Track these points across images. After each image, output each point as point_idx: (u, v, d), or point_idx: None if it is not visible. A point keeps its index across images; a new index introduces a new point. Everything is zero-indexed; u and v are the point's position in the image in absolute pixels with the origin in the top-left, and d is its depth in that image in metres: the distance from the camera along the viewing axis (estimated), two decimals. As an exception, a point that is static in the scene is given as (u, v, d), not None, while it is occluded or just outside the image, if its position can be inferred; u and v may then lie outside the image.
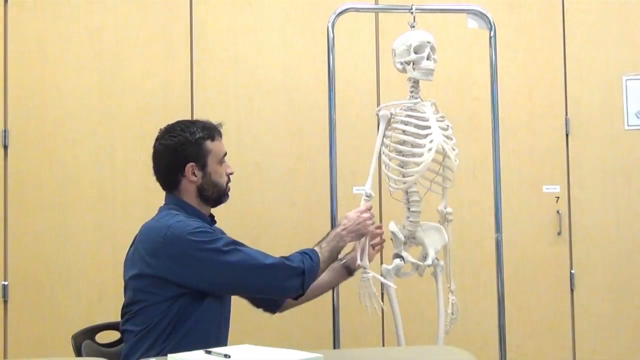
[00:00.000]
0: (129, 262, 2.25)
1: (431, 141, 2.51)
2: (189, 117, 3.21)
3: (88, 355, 2.25)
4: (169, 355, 1.80)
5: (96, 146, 3.19)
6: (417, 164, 2.51)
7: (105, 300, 3.14)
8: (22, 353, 3.08)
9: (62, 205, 3.16)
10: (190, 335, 2.13)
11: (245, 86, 3.29)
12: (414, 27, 2.67)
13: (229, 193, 2.36)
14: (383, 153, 2.59)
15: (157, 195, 3.24)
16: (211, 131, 2.30)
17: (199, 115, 3.21)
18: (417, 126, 2.55)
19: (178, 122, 2.33)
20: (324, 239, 2.39)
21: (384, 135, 2.59)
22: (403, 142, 2.56)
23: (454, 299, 2.65)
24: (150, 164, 3.19)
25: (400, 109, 2.58)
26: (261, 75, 3.30)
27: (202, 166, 2.27)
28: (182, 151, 2.26)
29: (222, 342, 2.25)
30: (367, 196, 2.55)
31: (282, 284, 2.20)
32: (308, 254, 2.26)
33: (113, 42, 3.23)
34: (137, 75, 3.23)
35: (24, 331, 3.11)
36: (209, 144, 2.28)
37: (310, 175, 3.27)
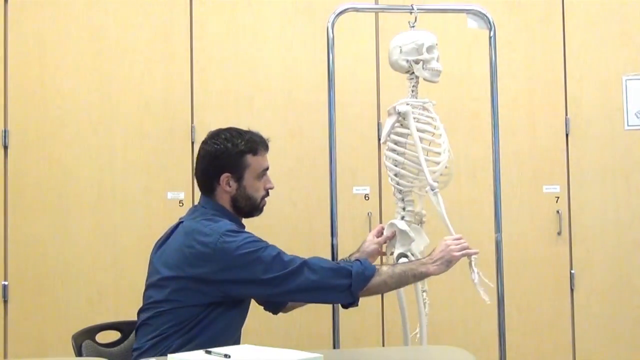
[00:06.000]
0: (163, 258, 2.22)
1: (444, 142, 2.52)
2: (189, 118, 3.22)
3: (88, 355, 2.25)
4: (169, 356, 1.80)
5: (96, 146, 3.19)
6: (437, 163, 2.51)
7: (105, 300, 3.14)
8: (22, 353, 3.08)
9: (62, 205, 3.16)
10: (214, 342, 2.10)
11: (245, 86, 3.29)
12: (414, 27, 2.67)
13: (264, 208, 2.35)
14: (395, 151, 2.56)
15: (157, 195, 3.26)
16: (255, 145, 2.30)
17: (199, 116, 3.23)
18: (431, 126, 2.55)
19: (227, 129, 2.32)
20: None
21: (396, 133, 2.56)
22: (422, 141, 2.55)
23: (427, 299, 2.64)
24: (150, 164, 3.20)
25: (410, 107, 2.56)
26: (261, 75, 3.30)
27: (238, 178, 2.26)
28: (221, 160, 2.26)
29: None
30: (432, 188, 2.51)
31: (329, 283, 2.16)
32: (359, 261, 2.24)
33: (113, 42, 3.23)
34: (137, 75, 3.23)
35: (24, 331, 3.11)
36: (249, 158, 2.28)
37: (310, 175, 3.27)
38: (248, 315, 2.31)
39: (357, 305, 2.23)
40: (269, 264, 2.13)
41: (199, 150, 2.32)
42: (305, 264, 2.16)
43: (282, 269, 2.13)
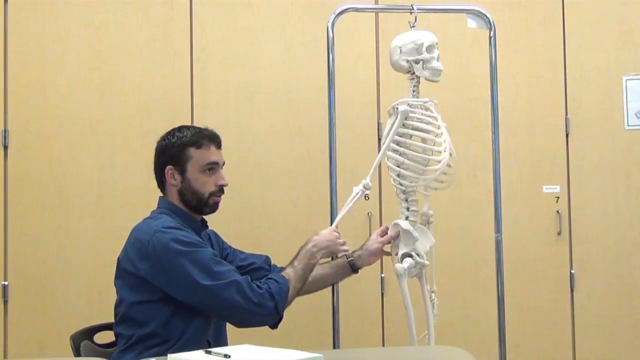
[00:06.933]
0: (118, 262, 2.26)
1: (445, 141, 2.53)
2: (189, 118, 3.22)
3: (87, 355, 2.25)
4: (169, 356, 1.80)
5: (96, 146, 3.20)
6: (437, 162, 2.51)
7: (105, 300, 3.12)
8: (22, 353, 3.08)
9: (62, 205, 3.16)
10: (186, 347, 2.10)
11: (245, 86, 3.29)
12: (414, 27, 2.67)
13: (217, 205, 2.31)
14: (397, 151, 2.56)
15: (157, 195, 3.25)
16: (199, 138, 2.28)
17: (198, 116, 3.23)
18: (433, 125, 2.55)
19: (179, 127, 2.34)
20: (295, 257, 2.34)
21: (397, 133, 2.57)
22: (423, 140, 2.56)
23: (435, 300, 2.65)
24: (150, 164, 3.20)
25: (411, 107, 2.56)
26: (261, 75, 3.30)
27: (182, 171, 2.27)
28: (165, 153, 2.29)
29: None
30: (365, 187, 2.54)
31: (256, 308, 2.12)
32: (272, 278, 2.22)
33: (113, 42, 3.23)
34: (137, 75, 3.23)
35: (24, 331, 3.11)
36: (191, 150, 2.26)
37: (310, 175, 3.27)
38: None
39: (281, 320, 2.21)
40: (196, 267, 2.10)
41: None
42: (235, 283, 2.11)
43: (209, 278, 2.10)
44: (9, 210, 3.13)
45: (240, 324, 2.20)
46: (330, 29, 2.73)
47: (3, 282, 3.11)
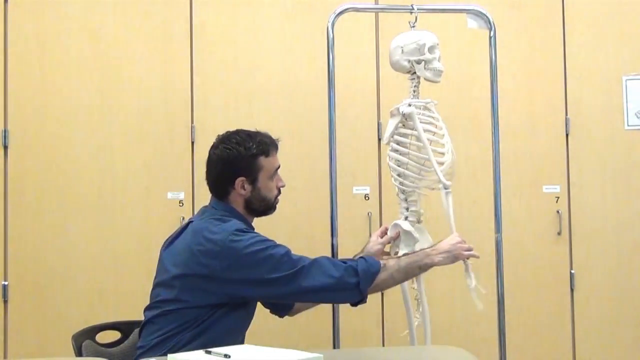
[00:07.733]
0: (172, 257, 2.22)
1: (447, 142, 2.53)
2: (189, 118, 3.22)
3: (88, 355, 2.25)
4: (169, 356, 1.80)
5: (96, 146, 3.20)
6: (441, 163, 2.51)
7: (105, 300, 3.14)
8: (22, 353, 3.08)
9: (62, 205, 3.16)
10: (219, 343, 2.09)
11: (245, 86, 3.29)
12: (414, 27, 2.67)
13: (277, 205, 2.36)
14: (398, 151, 2.57)
15: (157, 195, 3.26)
16: (267, 146, 2.29)
17: (199, 116, 3.22)
18: (436, 126, 2.55)
19: (236, 133, 2.31)
20: (410, 253, 2.37)
21: (399, 134, 2.57)
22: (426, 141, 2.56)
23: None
24: (150, 164, 3.20)
25: (414, 108, 2.56)
26: (261, 76, 3.30)
27: (252, 181, 2.27)
28: (234, 165, 2.26)
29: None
30: (445, 188, 2.52)
31: (337, 283, 2.15)
32: (363, 258, 2.24)
33: (113, 42, 3.23)
34: (137, 75, 3.23)
35: (24, 331, 3.11)
36: (262, 160, 2.27)
37: (310, 175, 3.27)
38: (248, 315, 2.31)
39: (365, 302, 2.23)
40: (276, 262, 2.13)
41: (210, 156, 2.30)
42: (313, 264, 2.16)
43: (290, 268, 2.13)
44: (9, 210, 3.13)
45: (328, 301, 2.27)
46: (330, 29, 2.73)
47: (3, 282, 3.11)
